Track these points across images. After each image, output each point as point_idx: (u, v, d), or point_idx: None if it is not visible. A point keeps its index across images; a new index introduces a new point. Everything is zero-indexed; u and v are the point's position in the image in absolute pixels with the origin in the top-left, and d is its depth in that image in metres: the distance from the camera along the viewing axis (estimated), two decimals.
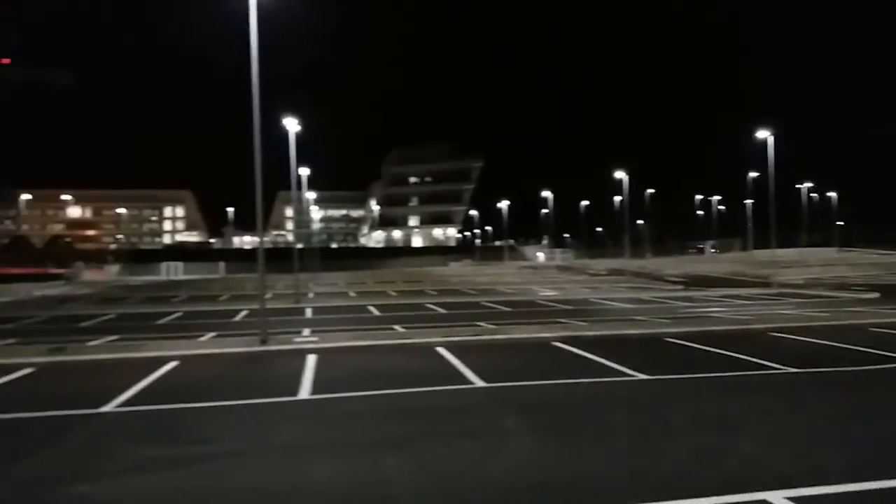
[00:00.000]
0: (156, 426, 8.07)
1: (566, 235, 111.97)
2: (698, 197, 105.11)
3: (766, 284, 36.52)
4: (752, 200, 70.77)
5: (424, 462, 6.38)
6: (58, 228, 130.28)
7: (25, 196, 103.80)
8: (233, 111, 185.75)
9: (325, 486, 5.78)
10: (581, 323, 18.25)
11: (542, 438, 7.18)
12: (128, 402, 9.19)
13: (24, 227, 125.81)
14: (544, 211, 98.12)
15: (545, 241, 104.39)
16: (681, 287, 37.62)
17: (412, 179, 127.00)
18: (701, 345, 13.85)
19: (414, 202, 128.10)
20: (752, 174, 70.96)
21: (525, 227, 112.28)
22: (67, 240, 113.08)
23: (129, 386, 10.11)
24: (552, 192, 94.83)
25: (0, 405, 9.05)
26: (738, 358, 12.17)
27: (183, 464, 6.47)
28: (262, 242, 16.01)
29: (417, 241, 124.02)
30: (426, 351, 13.51)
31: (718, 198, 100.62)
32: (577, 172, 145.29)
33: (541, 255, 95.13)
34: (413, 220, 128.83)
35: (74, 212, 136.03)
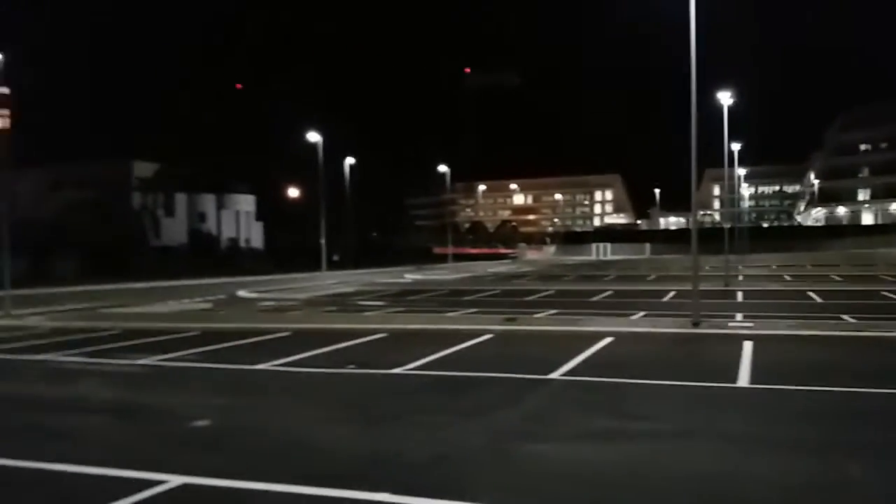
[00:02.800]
0: (598, 398, 8.69)
1: None
2: None
3: None
4: None
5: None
6: (505, 214, 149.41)
7: (481, 187, 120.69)
8: (661, 93, 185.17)
9: (771, 484, 5.46)
10: None
11: None
12: (571, 372, 10.09)
13: (480, 213, 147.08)
14: None
15: None
16: None
17: (863, 147, 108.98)
18: None
19: (864, 173, 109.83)
20: None
21: None
22: (513, 224, 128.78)
23: (571, 357, 11.09)
24: None
25: (471, 364, 10.90)
26: None
27: (626, 438, 6.84)
28: (695, 223, 15.97)
29: (868, 219, 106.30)
30: (888, 346, 11.66)
31: None
32: None
33: None
34: (863, 195, 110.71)
35: (518, 199, 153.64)
